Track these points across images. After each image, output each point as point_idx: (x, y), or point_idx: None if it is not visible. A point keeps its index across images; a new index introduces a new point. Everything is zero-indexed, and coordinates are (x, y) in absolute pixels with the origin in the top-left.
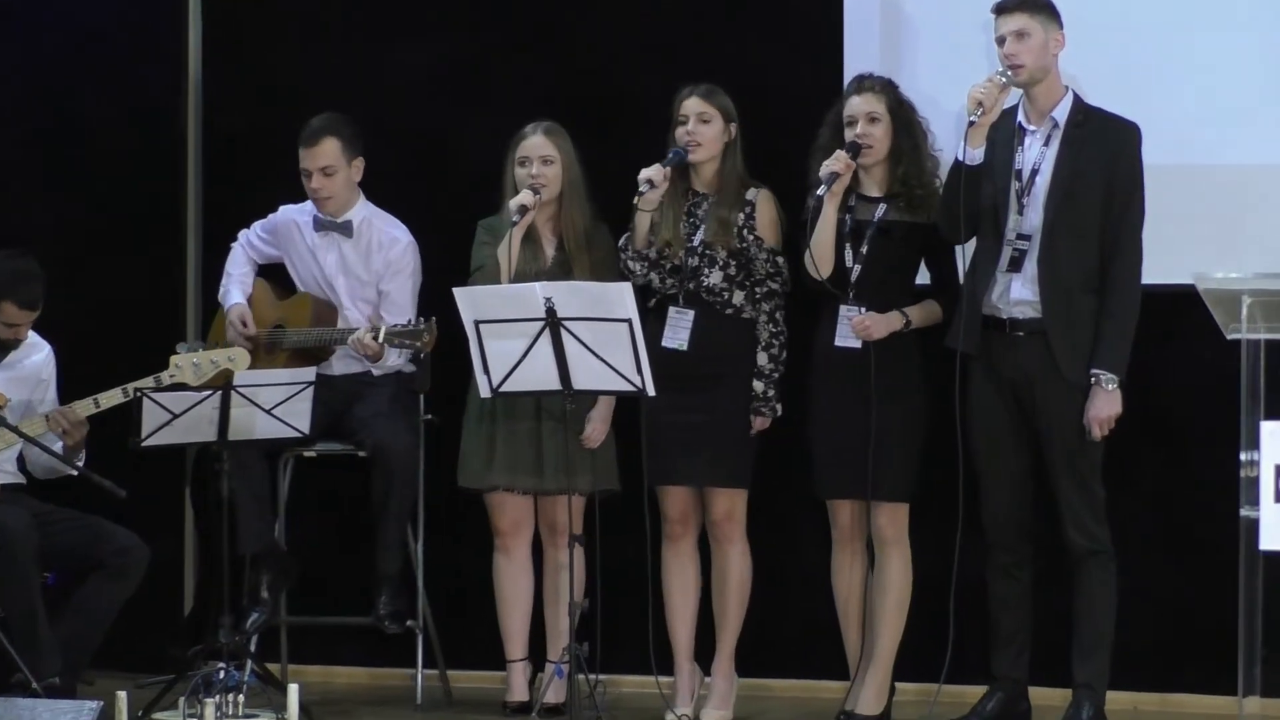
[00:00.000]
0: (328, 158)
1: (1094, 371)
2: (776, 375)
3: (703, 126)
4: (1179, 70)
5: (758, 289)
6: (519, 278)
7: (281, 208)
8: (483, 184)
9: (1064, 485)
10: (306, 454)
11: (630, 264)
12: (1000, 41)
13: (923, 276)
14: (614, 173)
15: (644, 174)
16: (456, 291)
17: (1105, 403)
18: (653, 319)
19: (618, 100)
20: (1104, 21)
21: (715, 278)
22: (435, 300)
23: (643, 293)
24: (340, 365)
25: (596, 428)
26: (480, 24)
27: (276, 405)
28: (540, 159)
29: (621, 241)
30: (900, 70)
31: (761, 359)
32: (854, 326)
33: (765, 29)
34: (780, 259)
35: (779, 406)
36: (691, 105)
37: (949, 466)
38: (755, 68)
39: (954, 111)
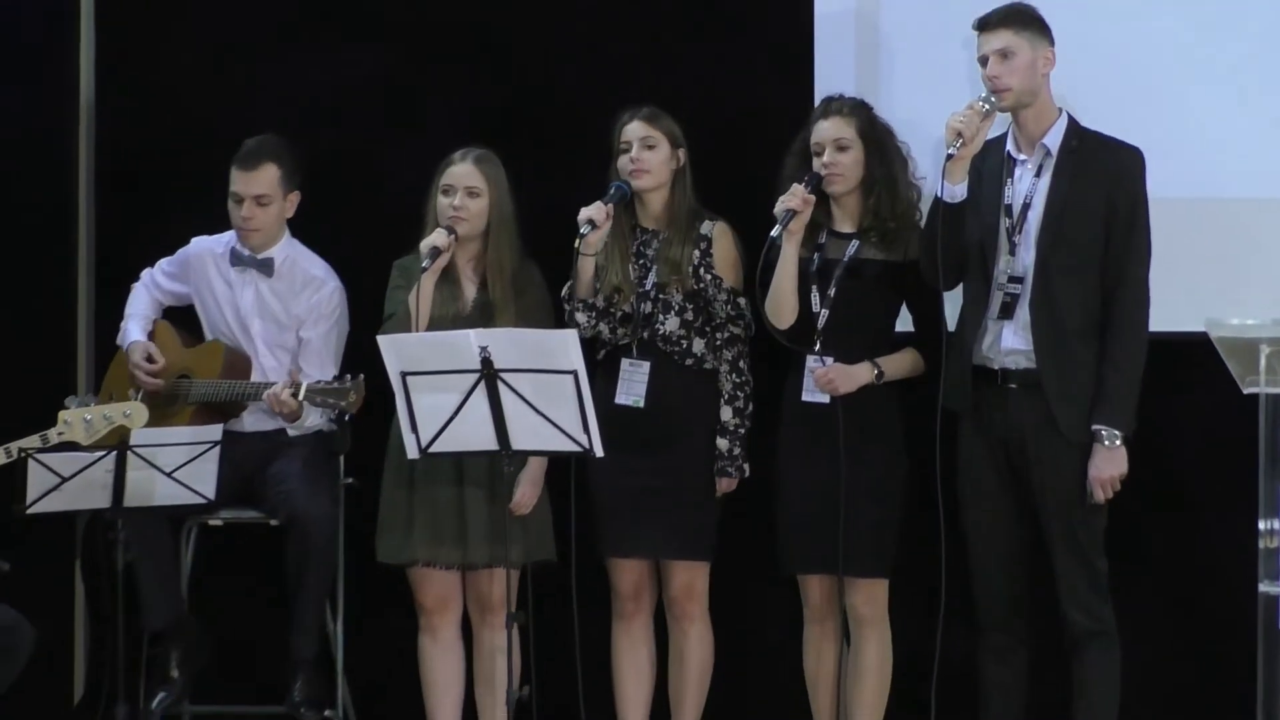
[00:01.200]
0: (264, 185)
1: (1095, 427)
2: (743, 431)
3: (647, 153)
4: (1188, 91)
5: (718, 335)
6: (435, 324)
7: (194, 240)
8: (410, 217)
9: (1062, 556)
10: (212, 522)
11: (577, 316)
12: (983, 61)
13: (904, 322)
14: (557, 204)
15: (584, 213)
16: (381, 339)
17: (1108, 461)
18: (600, 374)
19: (563, 124)
20: (1103, 38)
21: (671, 324)
22: (356, 347)
23: (589, 345)
24: (251, 422)
25: (526, 492)
26: (408, 36)
27: (178, 467)
28: (465, 190)
29: (565, 291)
30: (878, 90)
31: (726, 414)
32: (816, 380)
33: (727, 46)
34: (742, 300)
35: (746, 466)
36: (634, 130)
37: (932, 534)
38: (717, 89)
39: (936, 136)
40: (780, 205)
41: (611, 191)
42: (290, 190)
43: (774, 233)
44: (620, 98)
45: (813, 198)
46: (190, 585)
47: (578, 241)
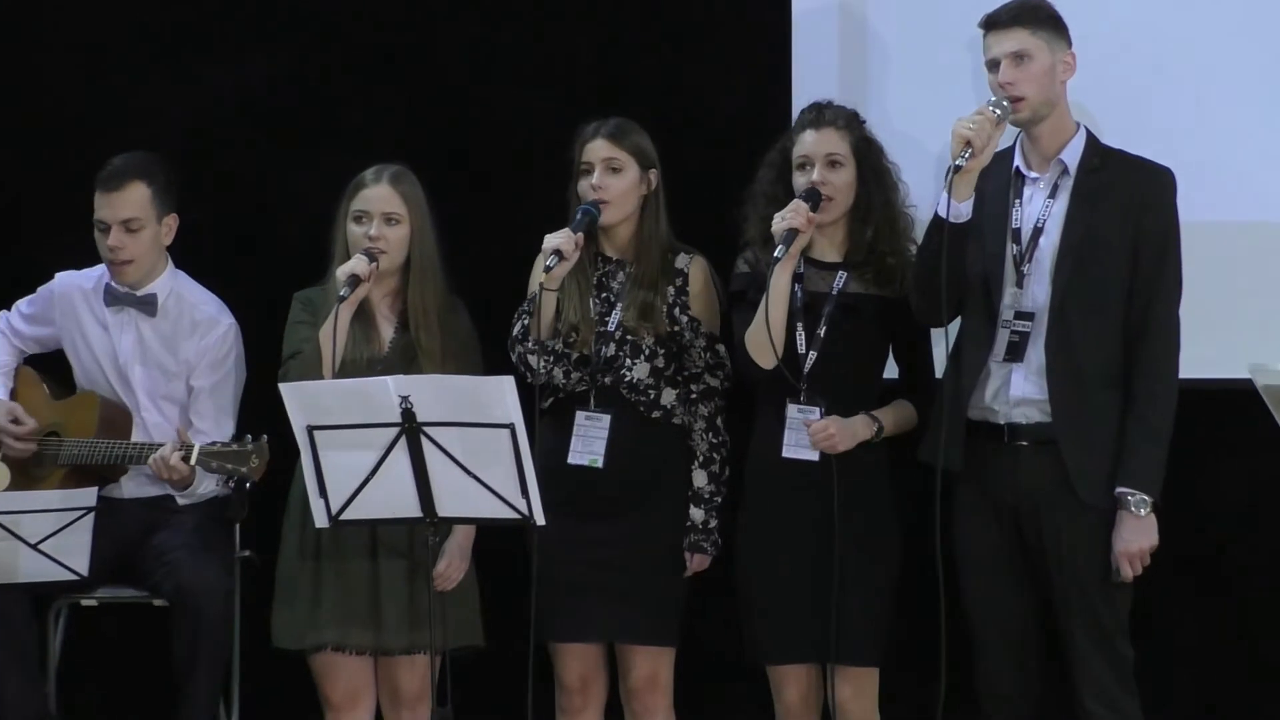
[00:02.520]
0: (133, 208)
1: (1120, 490)
2: (719, 500)
3: (612, 177)
4: (1223, 102)
5: (693, 386)
6: (347, 369)
7: (59, 275)
8: (314, 246)
9: (1081, 642)
10: (85, 602)
11: (530, 359)
12: (992, 65)
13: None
14: (489, 232)
15: (551, 241)
16: (283, 387)
17: (1136, 532)
18: (543, 426)
19: (496, 138)
20: (1123, 40)
21: (640, 371)
22: (251, 396)
23: (529, 393)
24: (131, 486)
25: (453, 564)
26: (317, 38)
27: (45, 538)
28: (382, 216)
29: (517, 331)
30: (866, 100)
31: (699, 479)
32: (813, 435)
33: (688, 47)
34: (721, 347)
35: (719, 540)
36: (597, 149)
37: (927, 614)
38: (677, 96)
39: (935, 153)
40: (780, 223)
41: (579, 217)
42: (165, 213)
43: (777, 254)
44: (565, 106)
45: (816, 217)
46: (59, 677)
47: (542, 275)
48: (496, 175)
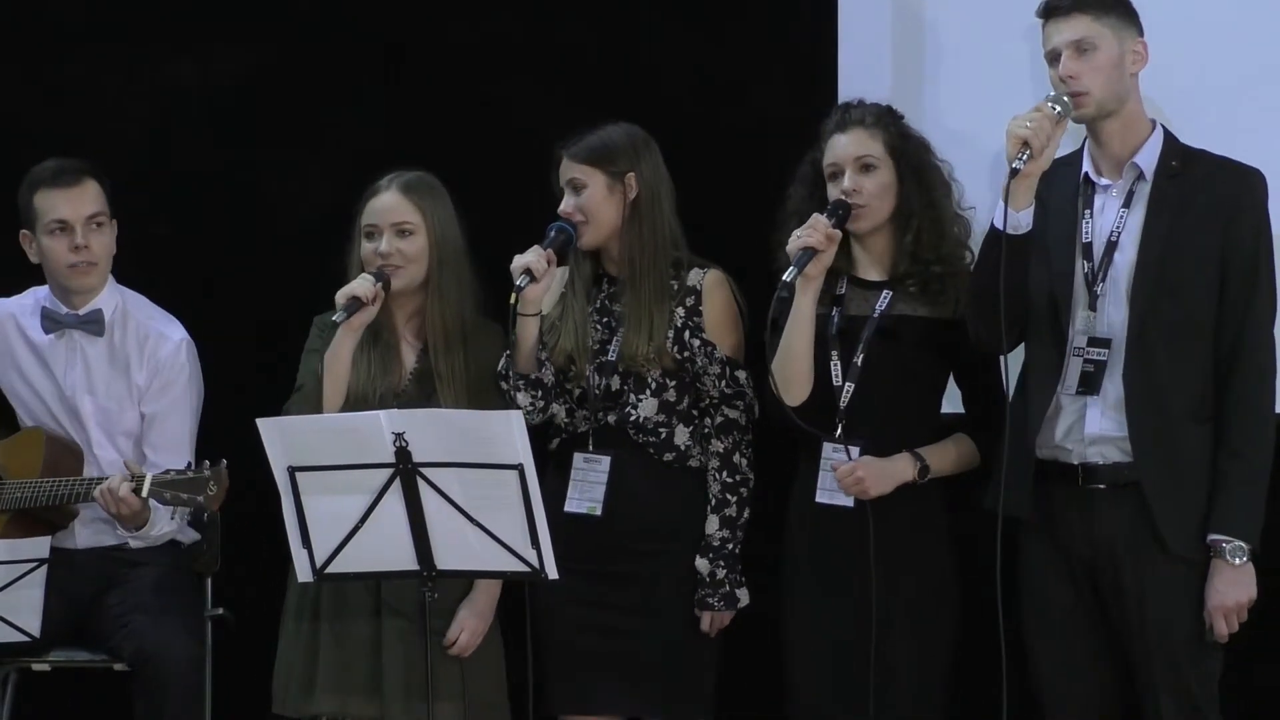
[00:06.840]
0: (95, 203)
1: (1213, 537)
2: (732, 547)
3: (578, 197)
4: None
5: (708, 420)
6: (358, 402)
7: None
8: (315, 260)
9: (1167, 710)
10: (36, 667)
11: (517, 396)
12: (1052, 58)
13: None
14: (506, 249)
15: (519, 261)
16: (261, 423)
17: (1233, 584)
18: (553, 469)
19: (505, 139)
20: (1200, 24)
21: (647, 408)
22: (230, 434)
23: (540, 430)
24: (86, 535)
25: (469, 627)
26: (311, 22)
27: None
28: (393, 228)
29: (501, 364)
30: (921, 94)
31: (712, 525)
32: (840, 478)
33: (717, 31)
34: (742, 373)
35: (742, 594)
36: (563, 171)
37: (991, 680)
38: (709, 96)
39: (994, 152)
40: (795, 242)
41: (552, 234)
42: (112, 218)
43: (787, 276)
44: (585, 105)
45: (838, 233)
46: None
47: (513, 297)
48: (508, 182)
